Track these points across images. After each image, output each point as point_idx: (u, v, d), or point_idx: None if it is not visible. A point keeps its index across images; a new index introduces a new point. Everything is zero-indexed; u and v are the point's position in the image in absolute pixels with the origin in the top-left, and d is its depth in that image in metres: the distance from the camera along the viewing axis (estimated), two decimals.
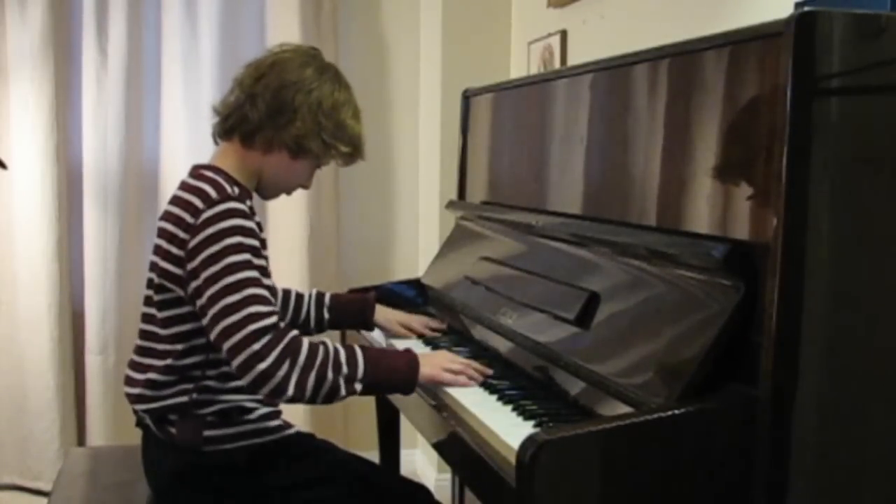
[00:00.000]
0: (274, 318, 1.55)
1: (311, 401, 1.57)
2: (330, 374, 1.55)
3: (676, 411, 1.20)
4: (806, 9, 1.15)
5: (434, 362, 1.66)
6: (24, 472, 3.18)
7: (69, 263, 3.18)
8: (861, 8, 1.22)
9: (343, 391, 1.57)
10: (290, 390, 1.53)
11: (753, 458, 1.20)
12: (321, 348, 1.57)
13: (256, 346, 1.51)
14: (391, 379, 1.63)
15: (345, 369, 1.57)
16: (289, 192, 1.83)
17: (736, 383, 1.23)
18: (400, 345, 1.97)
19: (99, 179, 3.14)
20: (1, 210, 3.13)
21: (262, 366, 1.51)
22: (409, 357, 1.65)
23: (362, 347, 1.63)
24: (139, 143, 3.21)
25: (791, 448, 1.19)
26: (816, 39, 1.15)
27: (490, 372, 1.69)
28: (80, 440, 3.24)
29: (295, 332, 1.57)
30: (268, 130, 1.69)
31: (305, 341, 1.57)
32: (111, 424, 3.15)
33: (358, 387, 1.58)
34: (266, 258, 1.67)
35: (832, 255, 1.18)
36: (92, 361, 3.17)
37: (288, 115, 1.68)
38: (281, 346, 1.52)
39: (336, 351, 1.59)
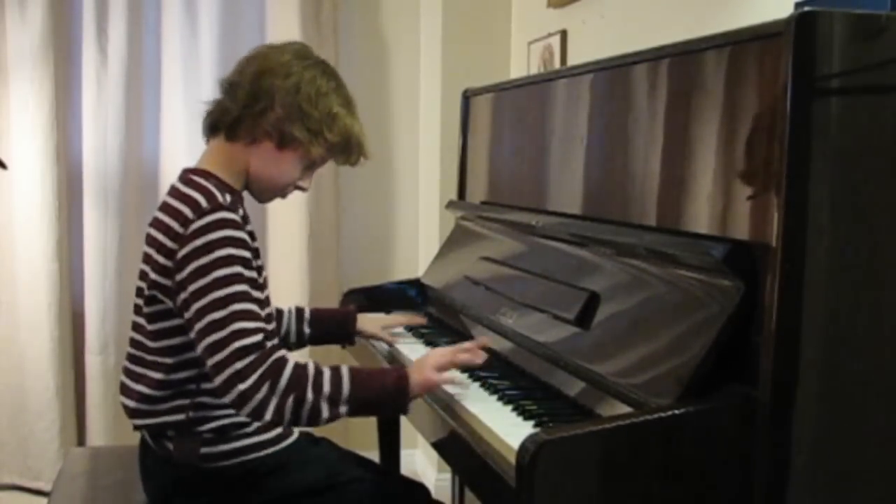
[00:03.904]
0: (259, 336, 1.50)
1: (293, 423, 1.52)
2: (310, 396, 1.50)
3: (676, 411, 1.20)
4: (806, 9, 1.15)
5: (422, 367, 1.59)
6: (24, 472, 3.18)
7: (69, 263, 3.18)
8: (861, 8, 1.22)
9: (326, 413, 1.51)
10: (269, 414, 1.48)
11: (753, 457, 1.20)
12: (304, 370, 1.52)
13: (239, 366, 1.47)
14: (380, 398, 1.56)
15: (326, 390, 1.51)
16: (283, 194, 1.74)
17: (736, 383, 1.23)
18: (406, 350, 1.96)
19: (99, 179, 3.14)
20: (1, 210, 3.13)
21: (242, 386, 1.46)
22: (399, 374, 1.58)
23: (351, 368, 1.56)
24: (139, 143, 3.21)
25: (791, 448, 1.19)
26: (816, 39, 1.15)
27: (484, 341, 1.68)
28: (80, 440, 3.24)
29: (281, 353, 1.51)
30: (248, 120, 1.63)
31: (290, 363, 1.51)
32: (111, 424, 3.15)
33: (343, 409, 1.52)
34: (259, 268, 1.63)
35: (832, 255, 1.18)
36: (92, 361, 3.17)
37: (265, 101, 1.62)
38: (263, 367, 1.48)
39: (318, 372, 1.53)
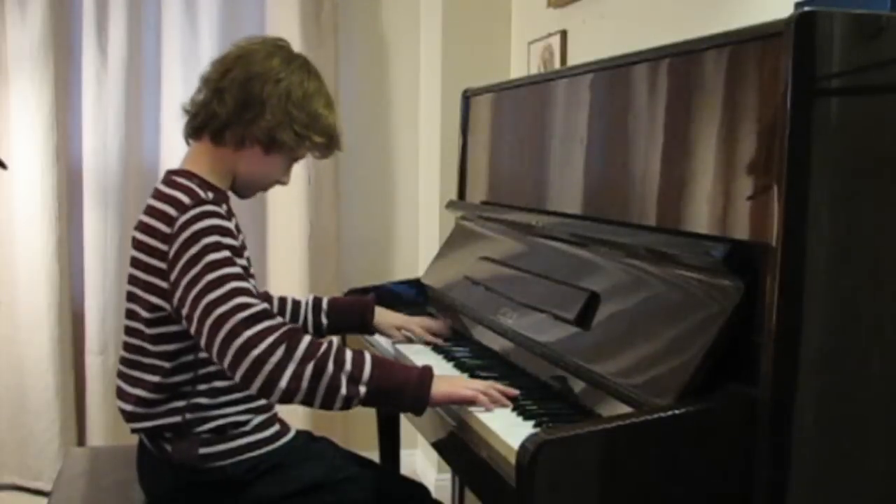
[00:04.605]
0: (264, 306, 1.49)
1: (309, 397, 1.46)
2: (330, 367, 1.46)
3: (676, 411, 1.20)
4: (806, 9, 1.15)
5: (452, 381, 1.56)
6: (24, 472, 3.18)
7: (69, 263, 3.18)
8: (861, 8, 1.22)
9: (344, 390, 1.47)
10: (284, 381, 1.43)
11: (753, 458, 1.20)
12: (325, 343, 1.50)
13: (249, 333, 1.44)
14: (399, 389, 1.50)
15: (348, 366, 1.48)
16: (265, 189, 1.78)
17: (736, 383, 1.23)
18: (408, 350, 1.94)
19: (99, 179, 3.14)
20: (1, 210, 3.13)
21: (256, 351, 1.43)
22: (423, 371, 1.53)
23: (373, 355, 1.54)
24: (139, 143, 3.21)
25: (791, 448, 1.19)
26: (816, 39, 1.15)
27: (516, 392, 1.54)
28: (80, 440, 3.23)
29: (296, 325, 1.51)
30: (237, 126, 1.64)
31: (307, 336, 1.49)
32: (111, 424, 3.15)
33: (362, 389, 1.48)
34: (247, 260, 1.63)
35: (832, 255, 1.18)
36: (92, 361, 3.17)
37: (256, 109, 1.63)
38: (278, 333, 1.45)
39: (341, 348, 1.50)
